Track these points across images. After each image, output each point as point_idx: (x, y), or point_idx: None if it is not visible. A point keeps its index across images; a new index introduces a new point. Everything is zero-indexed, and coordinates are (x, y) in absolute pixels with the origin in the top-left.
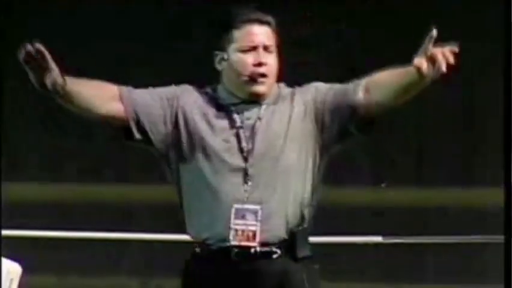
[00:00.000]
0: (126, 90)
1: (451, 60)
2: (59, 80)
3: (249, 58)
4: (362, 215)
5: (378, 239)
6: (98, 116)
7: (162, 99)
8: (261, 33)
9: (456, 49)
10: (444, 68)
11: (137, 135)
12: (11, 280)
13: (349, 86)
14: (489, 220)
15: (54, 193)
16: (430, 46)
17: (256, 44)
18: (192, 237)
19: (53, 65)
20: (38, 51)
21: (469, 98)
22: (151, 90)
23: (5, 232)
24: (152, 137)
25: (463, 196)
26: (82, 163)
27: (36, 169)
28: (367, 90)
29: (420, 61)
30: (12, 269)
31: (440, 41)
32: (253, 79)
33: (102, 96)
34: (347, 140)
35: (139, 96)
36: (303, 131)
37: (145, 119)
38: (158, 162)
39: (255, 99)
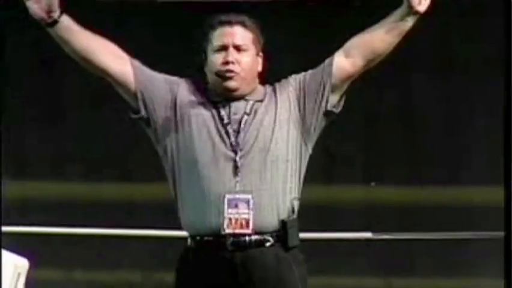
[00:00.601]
0: (136, 60)
1: None
2: (54, 9)
3: (219, 57)
4: (353, 211)
5: (368, 234)
6: (102, 66)
7: (166, 83)
8: (232, 34)
9: None
10: None
11: (142, 113)
12: (19, 274)
13: (327, 60)
14: (475, 217)
15: (60, 191)
16: None
17: (225, 43)
18: (186, 229)
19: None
20: None
21: (452, 98)
22: (155, 72)
23: (13, 228)
24: (151, 118)
25: (450, 194)
26: (86, 162)
27: (43, 168)
28: (344, 52)
29: None
30: (20, 264)
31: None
32: (222, 76)
33: (112, 51)
34: (326, 120)
35: (151, 75)
36: (289, 122)
37: (148, 99)
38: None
39: (230, 94)
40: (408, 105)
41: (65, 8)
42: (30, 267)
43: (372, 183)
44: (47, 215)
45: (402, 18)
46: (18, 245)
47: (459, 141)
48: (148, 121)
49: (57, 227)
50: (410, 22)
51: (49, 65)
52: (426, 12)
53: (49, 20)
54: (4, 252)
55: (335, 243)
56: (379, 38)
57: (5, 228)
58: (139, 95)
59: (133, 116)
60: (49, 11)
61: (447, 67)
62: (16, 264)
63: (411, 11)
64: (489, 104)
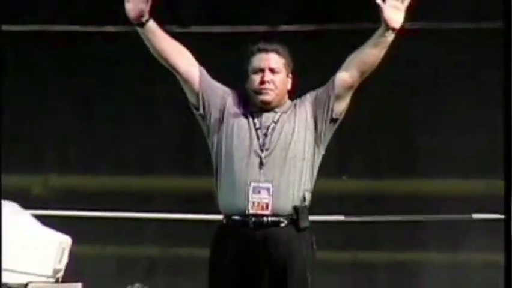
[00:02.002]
0: (204, 70)
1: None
2: (145, 14)
3: (257, 78)
4: (329, 199)
5: (341, 217)
6: (174, 66)
7: (220, 91)
8: (267, 59)
9: None
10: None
11: (200, 112)
12: (63, 249)
13: (333, 77)
14: (427, 203)
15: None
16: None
17: (262, 67)
18: (221, 209)
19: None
20: None
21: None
22: (213, 81)
23: (59, 212)
24: (205, 116)
25: (407, 184)
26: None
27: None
28: (346, 67)
29: (385, 12)
30: (64, 240)
31: None
32: (258, 92)
33: (188, 58)
34: (333, 126)
35: (210, 82)
36: (305, 129)
37: (204, 103)
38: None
39: (265, 107)
40: (373, 110)
41: (152, 15)
42: (73, 244)
43: (344, 177)
44: (86, 202)
45: (383, 35)
46: (63, 226)
47: (414, 141)
48: (203, 117)
49: (93, 212)
50: (389, 37)
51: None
52: (401, 29)
53: (139, 21)
54: (51, 231)
55: (313, 224)
56: (368, 53)
57: (53, 212)
58: (200, 97)
59: (194, 111)
60: (140, 15)
61: (400, 76)
62: (61, 241)
63: (388, 28)
64: (441, 105)
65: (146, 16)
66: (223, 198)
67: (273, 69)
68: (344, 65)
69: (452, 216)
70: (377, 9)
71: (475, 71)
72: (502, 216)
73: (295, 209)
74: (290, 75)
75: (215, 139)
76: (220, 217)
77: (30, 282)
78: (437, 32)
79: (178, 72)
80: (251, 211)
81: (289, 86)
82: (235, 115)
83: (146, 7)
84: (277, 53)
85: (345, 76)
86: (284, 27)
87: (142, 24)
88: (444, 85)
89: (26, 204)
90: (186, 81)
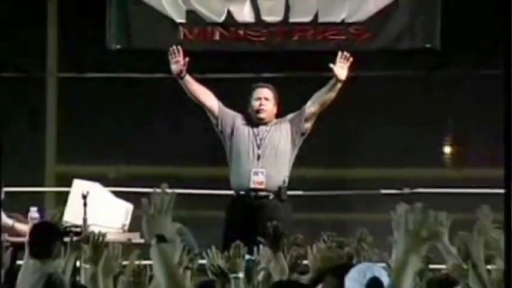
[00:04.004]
0: (221, 103)
1: (348, 59)
2: (183, 71)
3: (257, 103)
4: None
5: (300, 192)
6: (202, 102)
7: (231, 114)
8: (262, 92)
9: (348, 55)
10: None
11: (219, 128)
12: (128, 212)
13: (303, 107)
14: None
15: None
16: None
17: (259, 97)
18: (232, 187)
19: (181, 61)
20: (178, 52)
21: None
22: (226, 109)
23: (126, 189)
24: (222, 130)
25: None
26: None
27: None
28: (312, 103)
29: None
30: (129, 206)
31: None
32: (257, 112)
33: (210, 97)
34: (302, 136)
35: (224, 110)
36: (288, 134)
37: (222, 122)
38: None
39: (260, 122)
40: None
41: (189, 72)
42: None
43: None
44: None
45: (335, 84)
46: (128, 198)
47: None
48: (221, 132)
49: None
50: (339, 85)
51: None
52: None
53: (180, 76)
54: (120, 200)
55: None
56: (325, 95)
57: (121, 189)
58: (218, 120)
59: (215, 128)
60: (181, 71)
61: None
62: (127, 206)
63: (337, 79)
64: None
65: (184, 73)
66: (233, 180)
67: (266, 98)
68: (311, 101)
69: (365, 191)
70: (330, 69)
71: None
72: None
73: (279, 188)
74: (276, 103)
75: (228, 144)
76: (232, 192)
77: (108, 231)
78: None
79: (204, 106)
80: (252, 186)
81: (275, 110)
82: (241, 128)
83: (184, 68)
84: (269, 89)
85: (311, 108)
86: (269, 74)
87: (182, 78)
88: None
89: (104, 184)
90: (209, 111)
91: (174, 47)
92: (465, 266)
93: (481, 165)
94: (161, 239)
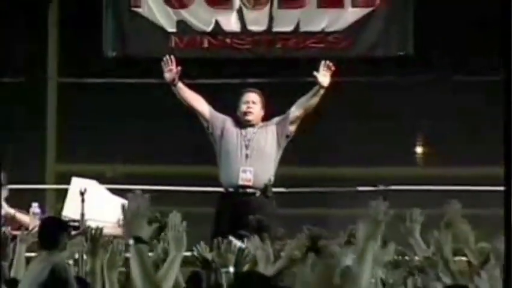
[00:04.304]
0: (211, 108)
1: (331, 68)
2: (176, 79)
3: (245, 106)
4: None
5: (283, 189)
6: (193, 107)
7: (221, 117)
8: (251, 96)
9: (330, 64)
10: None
11: (209, 130)
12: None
13: (288, 111)
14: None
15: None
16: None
17: (248, 100)
18: (222, 184)
19: (174, 70)
20: (171, 62)
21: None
22: (216, 112)
23: (121, 186)
24: (212, 132)
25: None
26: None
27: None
28: (296, 107)
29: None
30: (124, 203)
31: None
32: (245, 114)
33: (201, 102)
34: (287, 139)
35: (215, 114)
36: (273, 136)
37: (212, 126)
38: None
39: (248, 123)
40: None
41: (181, 79)
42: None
43: None
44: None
45: (318, 90)
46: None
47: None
48: (211, 134)
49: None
50: (321, 91)
51: None
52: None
53: (173, 84)
54: (116, 197)
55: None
56: (309, 100)
57: (117, 186)
58: (209, 123)
59: (206, 130)
60: (174, 79)
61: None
62: (122, 202)
63: (320, 86)
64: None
65: (177, 80)
66: (223, 177)
67: (253, 101)
68: (295, 105)
69: (343, 188)
70: (314, 77)
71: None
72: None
73: (265, 185)
74: (262, 106)
75: (218, 145)
76: (221, 189)
77: (105, 226)
78: None
79: (195, 110)
80: (240, 183)
81: (262, 113)
82: (231, 130)
83: (176, 76)
84: (256, 93)
85: (296, 112)
86: (254, 80)
87: (175, 85)
88: None
89: (101, 181)
90: (201, 115)
91: (167, 56)
92: (435, 258)
93: (451, 164)
94: (138, 240)
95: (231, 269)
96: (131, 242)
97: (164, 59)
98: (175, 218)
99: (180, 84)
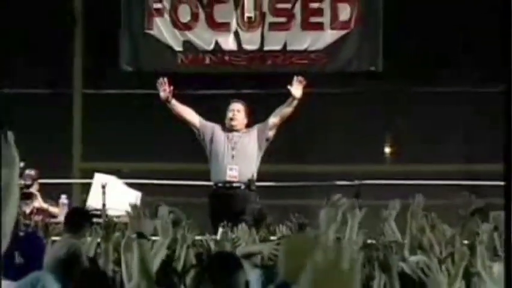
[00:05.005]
0: (201, 118)
1: (302, 82)
2: (169, 97)
3: (230, 113)
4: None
5: (272, 183)
6: (185, 120)
7: (210, 125)
8: (236, 106)
9: (302, 79)
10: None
11: (200, 137)
12: (137, 198)
13: (267, 119)
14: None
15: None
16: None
17: (233, 109)
18: (212, 180)
19: (167, 90)
20: (164, 83)
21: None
22: (205, 121)
23: (133, 181)
24: (203, 138)
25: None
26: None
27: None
28: (273, 116)
29: (292, 90)
30: (138, 194)
31: None
32: (230, 121)
33: (192, 114)
34: (267, 143)
35: (204, 123)
36: (255, 139)
37: (203, 133)
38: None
39: (233, 129)
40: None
41: (174, 96)
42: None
43: None
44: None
45: (292, 101)
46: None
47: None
48: (202, 139)
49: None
50: (295, 102)
51: None
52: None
53: (167, 101)
54: (131, 189)
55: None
56: (285, 110)
57: (131, 181)
58: (200, 131)
59: (197, 137)
60: (167, 98)
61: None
62: (136, 194)
63: (294, 98)
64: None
65: (170, 98)
66: (213, 175)
67: (238, 110)
68: (273, 114)
69: (323, 183)
70: (288, 90)
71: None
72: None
73: (249, 180)
74: (246, 114)
75: (209, 148)
76: (212, 183)
77: (122, 214)
78: None
79: (187, 122)
80: (228, 179)
81: (246, 120)
82: (219, 135)
83: (170, 94)
84: (240, 103)
85: (274, 120)
86: (248, 91)
87: (169, 102)
88: None
89: (119, 176)
90: (192, 125)
91: (161, 79)
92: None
93: (416, 162)
94: (140, 235)
95: None
96: (134, 236)
97: (159, 81)
98: (163, 210)
99: (173, 101)
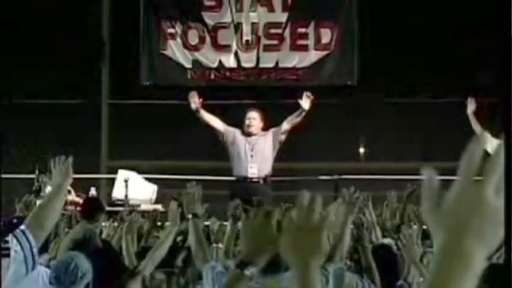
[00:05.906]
0: (224, 124)
1: (310, 97)
2: (199, 108)
3: (248, 121)
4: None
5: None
6: (212, 126)
7: (232, 130)
8: (252, 114)
9: (310, 94)
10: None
11: (223, 139)
12: (154, 190)
13: (281, 125)
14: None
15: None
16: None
17: (249, 117)
18: (234, 175)
19: (197, 102)
20: (194, 95)
21: None
22: (228, 127)
23: (151, 176)
24: (225, 141)
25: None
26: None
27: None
28: (286, 122)
29: (302, 104)
30: (155, 187)
31: None
32: (248, 127)
33: (217, 121)
34: (279, 145)
35: (227, 128)
36: (270, 142)
37: (226, 136)
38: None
39: (251, 133)
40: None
41: (202, 106)
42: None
43: None
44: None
45: (301, 113)
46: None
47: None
48: (225, 143)
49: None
50: (304, 113)
51: None
52: (310, 109)
53: (197, 111)
54: (149, 183)
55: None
56: (295, 119)
57: (148, 176)
58: (224, 135)
59: (221, 140)
60: (197, 108)
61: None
62: (153, 187)
63: (303, 110)
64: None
65: (199, 108)
66: (235, 170)
67: (254, 118)
68: (285, 121)
69: (309, 177)
70: (298, 103)
71: None
72: (336, 177)
73: (265, 175)
74: (262, 119)
75: (231, 150)
76: (234, 178)
77: (141, 203)
78: None
79: (213, 127)
80: (249, 176)
81: (261, 125)
82: (239, 139)
83: (199, 106)
84: (255, 111)
85: (286, 127)
86: (247, 101)
87: (198, 112)
88: None
89: (139, 172)
90: (217, 130)
91: (192, 92)
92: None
93: (386, 160)
94: (195, 216)
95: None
96: (189, 216)
97: (190, 94)
98: (172, 205)
99: (202, 111)
